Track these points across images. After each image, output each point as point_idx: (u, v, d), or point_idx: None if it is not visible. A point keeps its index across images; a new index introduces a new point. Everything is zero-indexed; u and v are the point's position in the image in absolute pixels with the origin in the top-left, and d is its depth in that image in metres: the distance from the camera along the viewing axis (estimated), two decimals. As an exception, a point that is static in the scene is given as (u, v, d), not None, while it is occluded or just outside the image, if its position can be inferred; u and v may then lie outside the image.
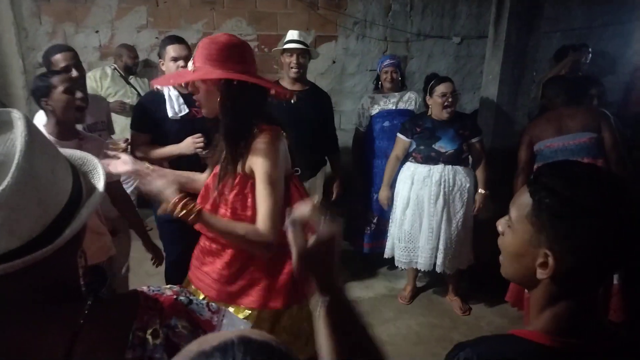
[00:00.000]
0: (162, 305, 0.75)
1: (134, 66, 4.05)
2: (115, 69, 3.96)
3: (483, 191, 2.96)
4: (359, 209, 3.56)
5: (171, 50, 2.41)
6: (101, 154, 2.14)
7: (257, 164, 1.45)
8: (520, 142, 3.03)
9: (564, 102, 2.93)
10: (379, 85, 3.54)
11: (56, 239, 0.65)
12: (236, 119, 1.48)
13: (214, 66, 1.44)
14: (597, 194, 0.73)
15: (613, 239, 0.73)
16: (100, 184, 0.76)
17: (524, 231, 0.79)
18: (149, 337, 0.70)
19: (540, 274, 0.77)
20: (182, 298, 0.79)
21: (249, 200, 1.52)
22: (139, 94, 3.98)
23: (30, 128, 0.65)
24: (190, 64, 1.51)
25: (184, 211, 1.37)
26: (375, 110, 3.41)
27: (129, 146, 2.61)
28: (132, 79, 4.04)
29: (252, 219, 1.48)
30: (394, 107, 3.39)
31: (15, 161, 0.61)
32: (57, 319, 0.69)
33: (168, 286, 0.82)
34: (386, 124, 3.35)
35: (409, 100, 3.42)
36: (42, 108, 2.05)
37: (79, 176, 0.74)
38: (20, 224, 0.62)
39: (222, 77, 1.44)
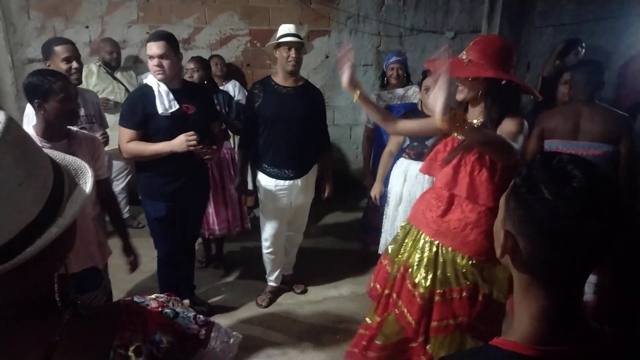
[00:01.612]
0: (145, 320, 0.72)
1: (113, 61, 3.97)
2: (100, 65, 3.91)
3: None
4: (371, 205, 3.55)
5: (147, 48, 2.40)
6: (94, 150, 2.13)
7: (507, 127, 1.75)
8: (531, 131, 2.73)
9: (592, 96, 2.63)
10: (385, 82, 3.57)
11: (10, 260, 0.59)
12: (498, 105, 1.78)
13: (487, 63, 1.74)
14: (568, 191, 0.70)
15: (569, 239, 0.70)
16: (75, 204, 0.69)
17: (501, 210, 0.80)
18: (132, 355, 0.67)
19: (498, 253, 0.79)
20: (167, 311, 0.76)
21: (487, 161, 1.81)
22: (126, 89, 3.94)
23: (8, 134, 0.60)
24: (464, 54, 1.79)
25: (452, 122, 1.58)
26: (381, 106, 3.43)
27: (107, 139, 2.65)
28: (118, 74, 3.99)
29: (487, 179, 1.81)
30: (399, 102, 3.41)
31: None
32: (29, 338, 0.64)
33: (154, 296, 0.79)
34: None
35: (413, 94, 3.43)
36: (32, 105, 1.97)
37: (62, 190, 0.68)
38: None
39: (496, 77, 1.73)
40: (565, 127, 2.65)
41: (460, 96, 1.84)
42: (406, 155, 2.99)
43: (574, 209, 0.69)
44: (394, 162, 3.10)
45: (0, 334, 0.64)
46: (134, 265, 2.32)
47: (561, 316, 0.76)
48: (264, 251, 3.09)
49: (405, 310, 2.01)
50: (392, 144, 3.07)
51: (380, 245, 3.26)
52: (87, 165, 0.76)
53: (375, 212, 3.52)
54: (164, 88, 2.42)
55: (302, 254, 3.38)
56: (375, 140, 3.56)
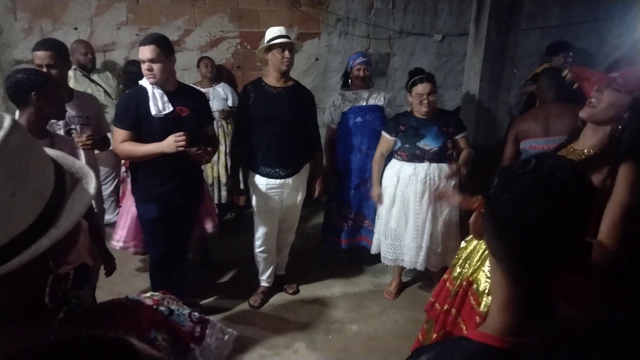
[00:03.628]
0: (140, 318, 0.72)
1: (89, 63, 3.91)
2: (75, 68, 3.82)
3: (462, 163, 2.89)
4: (334, 207, 3.53)
5: (139, 52, 2.39)
6: (73, 152, 2.15)
7: (619, 193, 1.58)
8: (506, 137, 2.97)
9: (556, 95, 2.81)
10: (349, 82, 3.50)
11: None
12: (633, 138, 1.61)
13: (635, 88, 1.64)
14: (521, 175, 0.72)
15: (517, 226, 0.72)
16: (76, 210, 0.67)
17: None
18: None
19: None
20: (162, 308, 0.76)
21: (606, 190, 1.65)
22: (105, 90, 3.91)
23: (6, 143, 0.59)
24: (616, 74, 1.72)
25: None
26: (346, 107, 3.38)
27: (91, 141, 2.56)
28: (94, 76, 3.95)
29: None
30: (364, 104, 3.39)
31: None
32: (23, 338, 0.63)
33: (148, 294, 0.79)
34: (358, 119, 3.35)
35: (378, 97, 3.43)
36: (23, 103, 1.98)
37: (61, 200, 0.66)
38: None
39: None
40: (537, 127, 2.78)
41: (587, 113, 1.73)
42: (398, 157, 3.01)
43: (522, 194, 0.71)
44: (386, 163, 3.12)
45: None
46: (107, 269, 2.29)
47: (528, 308, 0.77)
48: (256, 250, 3.09)
49: (464, 328, 1.92)
50: (382, 146, 3.07)
51: (372, 246, 3.27)
52: (93, 175, 0.74)
53: (338, 215, 3.49)
54: (158, 90, 2.42)
55: (293, 254, 3.39)
56: (339, 141, 3.45)
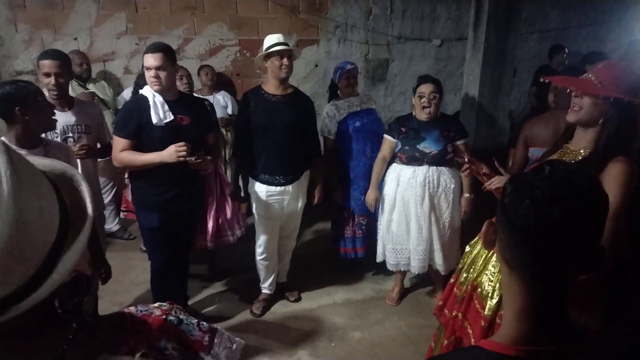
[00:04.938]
0: (150, 327, 0.73)
1: (84, 73, 3.92)
2: (72, 79, 3.75)
3: (468, 195, 2.97)
4: (346, 216, 3.48)
5: (145, 60, 2.41)
6: (69, 160, 2.14)
7: (610, 191, 1.57)
8: (517, 140, 2.90)
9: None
10: (337, 92, 3.47)
11: (33, 293, 0.58)
12: (614, 136, 1.64)
13: (617, 88, 1.62)
14: (535, 180, 0.72)
15: (531, 231, 0.72)
16: (86, 222, 0.67)
17: None
18: None
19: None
20: (171, 318, 0.77)
21: None
22: (102, 100, 3.92)
23: (14, 161, 0.59)
24: (590, 75, 1.69)
25: None
26: (342, 115, 3.36)
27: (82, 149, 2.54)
28: (90, 86, 3.95)
29: None
30: (358, 109, 3.38)
31: (5, 208, 0.54)
32: (38, 349, 0.64)
33: (157, 304, 0.80)
34: (357, 124, 3.34)
35: (368, 101, 3.46)
36: (9, 119, 1.97)
37: (66, 208, 0.67)
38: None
39: (631, 100, 1.61)
40: (547, 134, 2.70)
41: (573, 116, 1.73)
42: (398, 160, 3.01)
43: (543, 200, 0.71)
44: (387, 168, 3.11)
45: (10, 347, 0.63)
46: (104, 278, 2.27)
47: (543, 316, 0.76)
48: (257, 258, 3.08)
49: (471, 332, 1.93)
50: (385, 150, 3.07)
51: (378, 253, 3.23)
52: (71, 167, 0.75)
53: (352, 223, 3.45)
54: (159, 98, 2.43)
55: (295, 261, 3.38)
56: (341, 149, 3.39)
